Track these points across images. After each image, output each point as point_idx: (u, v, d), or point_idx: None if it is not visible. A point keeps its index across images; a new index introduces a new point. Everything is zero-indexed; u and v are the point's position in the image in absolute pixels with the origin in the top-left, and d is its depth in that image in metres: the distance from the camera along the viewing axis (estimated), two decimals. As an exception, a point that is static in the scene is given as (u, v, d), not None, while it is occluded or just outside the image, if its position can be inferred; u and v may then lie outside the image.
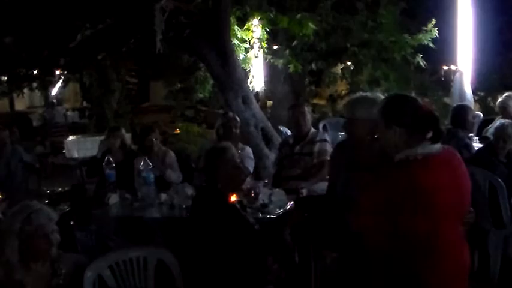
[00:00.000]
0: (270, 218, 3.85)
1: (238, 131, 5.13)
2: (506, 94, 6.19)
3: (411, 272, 2.32)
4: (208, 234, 2.96)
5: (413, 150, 2.29)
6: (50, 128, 14.02)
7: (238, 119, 5.22)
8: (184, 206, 4.09)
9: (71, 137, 11.60)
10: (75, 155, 10.13)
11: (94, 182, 4.78)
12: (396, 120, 2.34)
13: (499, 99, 6.26)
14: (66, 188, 4.78)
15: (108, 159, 4.67)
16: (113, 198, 4.42)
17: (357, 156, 2.97)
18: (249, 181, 4.33)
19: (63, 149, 11.21)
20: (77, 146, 10.51)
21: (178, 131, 11.86)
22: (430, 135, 2.32)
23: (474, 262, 4.76)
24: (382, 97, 2.84)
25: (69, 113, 16.00)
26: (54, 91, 15.27)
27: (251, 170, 4.97)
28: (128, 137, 6.05)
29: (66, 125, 14.33)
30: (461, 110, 5.34)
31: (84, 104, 16.99)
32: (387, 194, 2.27)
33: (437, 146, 2.33)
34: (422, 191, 2.23)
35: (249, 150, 5.19)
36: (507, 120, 4.88)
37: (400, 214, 2.25)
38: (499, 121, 5.14)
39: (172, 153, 5.18)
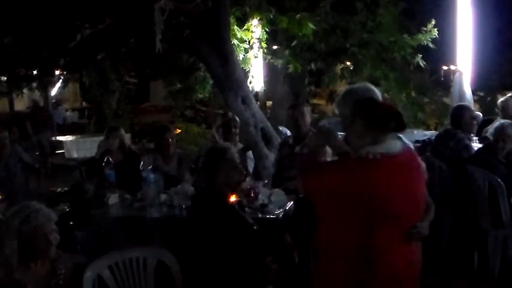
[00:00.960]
0: (269, 218, 3.85)
1: (237, 131, 5.13)
2: (509, 95, 6.20)
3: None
4: (208, 234, 2.96)
5: (374, 147, 2.25)
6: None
7: (237, 119, 5.22)
8: (184, 206, 4.08)
9: (70, 137, 11.60)
10: (75, 155, 10.13)
11: (94, 182, 4.77)
12: (359, 113, 2.33)
13: (501, 99, 6.27)
14: (65, 188, 4.78)
15: (108, 159, 4.67)
16: (113, 199, 4.42)
17: None
18: (248, 181, 4.32)
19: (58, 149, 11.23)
20: (77, 146, 10.51)
21: (178, 131, 11.86)
22: (392, 127, 2.28)
23: (474, 262, 4.78)
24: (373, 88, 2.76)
25: (68, 113, 16.00)
26: (53, 91, 15.26)
27: (250, 170, 4.98)
28: (127, 137, 6.05)
29: (64, 125, 14.31)
30: (459, 111, 5.34)
31: (84, 104, 17.02)
32: (333, 186, 2.27)
33: (399, 146, 2.30)
34: (369, 196, 2.21)
35: (250, 156, 5.19)
36: (507, 121, 4.88)
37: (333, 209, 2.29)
38: (498, 121, 5.15)
39: (181, 154, 5.24)
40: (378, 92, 2.51)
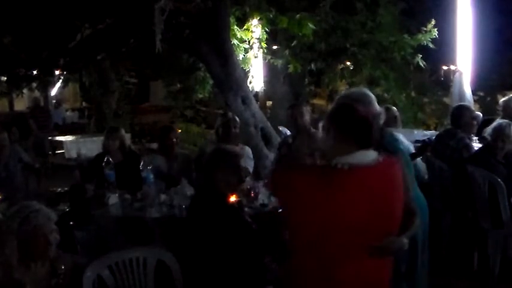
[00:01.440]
0: (265, 210, 3.89)
1: (237, 131, 5.13)
2: None
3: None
4: (207, 234, 2.96)
5: (345, 157, 2.22)
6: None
7: (237, 119, 5.23)
8: (184, 206, 4.08)
9: (70, 137, 11.59)
10: (75, 155, 10.13)
11: (93, 182, 4.77)
12: (333, 121, 2.31)
13: (503, 99, 6.25)
14: (65, 189, 4.77)
15: (108, 159, 4.67)
16: (113, 199, 4.42)
17: None
18: (248, 181, 4.33)
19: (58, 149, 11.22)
20: (76, 146, 10.50)
21: (178, 131, 11.85)
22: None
23: (474, 262, 4.78)
24: (368, 93, 2.80)
25: (68, 113, 15.99)
26: (53, 91, 15.25)
27: (250, 170, 4.98)
28: (127, 137, 6.05)
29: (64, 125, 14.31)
30: (459, 111, 5.34)
31: (84, 104, 17.00)
32: (297, 187, 2.24)
33: (372, 157, 2.25)
34: (326, 205, 2.19)
35: (248, 150, 5.20)
36: (505, 120, 4.86)
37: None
38: (497, 121, 5.14)
39: (184, 154, 5.25)
40: (370, 98, 2.56)
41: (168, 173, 4.89)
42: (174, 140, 5.06)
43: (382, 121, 2.57)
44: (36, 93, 13.55)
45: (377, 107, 2.69)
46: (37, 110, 12.10)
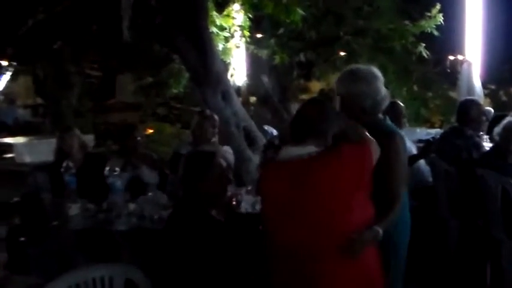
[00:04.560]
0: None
1: (217, 131, 5.13)
2: None
3: None
4: (190, 251, 2.92)
5: (281, 152, 2.69)
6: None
7: (217, 117, 5.22)
8: (156, 217, 4.06)
9: (21, 139, 11.43)
10: (27, 159, 9.98)
11: (50, 190, 4.72)
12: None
13: None
14: (16, 199, 4.72)
15: (67, 164, 4.63)
16: (73, 209, 4.37)
17: None
18: (229, 187, 4.30)
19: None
20: (29, 150, 10.35)
21: (149, 131, 11.81)
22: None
23: (486, 277, 4.81)
24: (375, 71, 3.01)
25: (19, 110, 15.80)
26: (1, 86, 15.06)
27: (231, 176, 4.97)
28: (90, 138, 6.01)
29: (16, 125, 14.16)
30: (467, 106, 5.37)
31: (38, 100, 16.80)
32: None
33: (306, 151, 2.60)
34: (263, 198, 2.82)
35: (229, 150, 5.19)
36: (515, 118, 4.89)
37: None
38: (507, 119, 5.17)
39: (154, 156, 5.25)
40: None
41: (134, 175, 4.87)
42: (139, 139, 5.07)
43: (385, 104, 3.00)
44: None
45: (368, 84, 2.93)
46: None
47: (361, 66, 3.16)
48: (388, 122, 3.12)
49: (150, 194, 4.41)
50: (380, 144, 2.72)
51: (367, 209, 2.63)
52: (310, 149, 2.60)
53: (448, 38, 8.26)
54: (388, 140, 2.87)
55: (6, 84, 15.40)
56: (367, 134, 2.72)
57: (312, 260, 2.56)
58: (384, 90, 3.00)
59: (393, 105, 5.49)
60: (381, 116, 3.07)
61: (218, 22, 7.46)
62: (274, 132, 6.66)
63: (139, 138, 5.11)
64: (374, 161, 2.64)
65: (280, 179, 2.65)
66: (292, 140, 2.66)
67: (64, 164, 4.65)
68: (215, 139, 5.11)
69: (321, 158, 2.60)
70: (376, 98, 2.97)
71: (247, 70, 8.87)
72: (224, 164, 3.18)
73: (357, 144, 2.65)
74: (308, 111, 2.71)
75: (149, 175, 4.96)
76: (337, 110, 2.89)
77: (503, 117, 5.71)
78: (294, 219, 2.59)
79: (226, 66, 7.73)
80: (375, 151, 2.66)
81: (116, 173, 4.50)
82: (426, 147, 5.17)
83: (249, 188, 4.68)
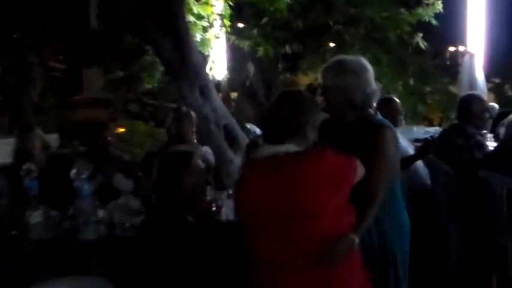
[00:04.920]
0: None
1: (194, 129, 5.12)
2: None
3: None
4: (165, 261, 2.91)
5: (259, 150, 2.77)
6: None
7: (194, 114, 5.23)
8: (127, 224, 4.05)
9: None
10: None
11: (8, 196, 4.68)
12: None
13: None
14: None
15: (28, 166, 4.60)
16: (35, 217, 4.33)
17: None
18: (209, 191, 4.29)
19: None
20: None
21: (120, 130, 11.78)
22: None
23: (492, 287, 4.83)
24: (364, 62, 3.04)
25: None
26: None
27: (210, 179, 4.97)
28: (53, 138, 5.97)
29: None
30: (468, 101, 5.40)
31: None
32: None
33: (279, 150, 2.64)
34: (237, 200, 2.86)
35: (208, 151, 5.19)
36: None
37: None
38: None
39: (126, 157, 5.25)
40: (366, 71, 2.93)
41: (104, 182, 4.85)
42: (109, 139, 5.07)
43: (375, 99, 3.08)
44: None
45: (357, 76, 2.96)
46: None
47: (349, 56, 3.17)
48: (379, 117, 3.12)
49: (121, 199, 4.37)
50: (367, 137, 2.77)
51: (345, 218, 2.64)
52: (289, 147, 2.63)
53: (447, 28, 8.31)
54: (376, 132, 2.91)
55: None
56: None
57: (283, 270, 2.62)
58: (374, 83, 3.01)
59: (388, 101, 5.52)
60: (371, 111, 3.08)
61: (196, 10, 7.47)
62: (258, 131, 6.67)
63: (109, 138, 5.08)
64: (357, 178, 2.66)
65: (254, 180, 2.70)
66: (267, 142, 2.71)
67: (24, 167, 4.62)
68: (193, 138, 5.11)
69: (298, 160, 2.62)
70: (365, 91, 2.97)
71: (228, 63, 8.89)
72: (203, 165, 3.17)
73: (343, 155, 2.66)
74: (280, 109, 2.70)
75: (123, 183, 4.94)
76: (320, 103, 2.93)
77: (508, 113, 5.75)
78: (267, 225, 2.64)
79: (204, 58, 7.73)
80: (360, 168, 2.69)
81: (83, 176, 4.47)
82: (424, 147, 5.18)
83: (231, 192, 4.68)
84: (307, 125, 2.67)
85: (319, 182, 2.57)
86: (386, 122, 3.10)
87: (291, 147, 2.62)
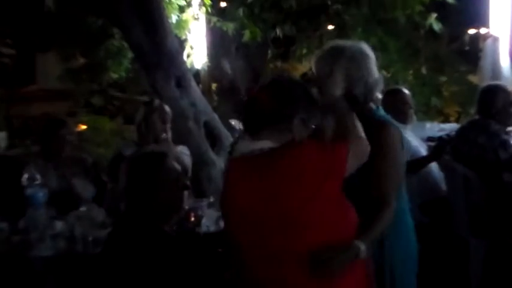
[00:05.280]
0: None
1: (169, 126, 5.11)
2: None
3: None
4: (138, 281, 2.90)
5: (237, 146, 2.86)
6: None
7: (169, 109, 5.21)
8: (90, 238, 4.06)
9: None
10: None
11: None
12: None
13: None
14: None
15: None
16: (-19, 230, 4.33)
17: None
18: (187, 198, 4.29)
19: None
20: None
21: (81, 127, 11.75)
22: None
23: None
24: (365, 48, 3.06)
25: None
26: None
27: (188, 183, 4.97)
28: (1, 136, 5.97)
29: None
30: (491, 93, 5.42)
31: None
32: None
33: (260, 146, 2.66)
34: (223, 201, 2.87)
35: (185, 151, 5.20)
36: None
37: None
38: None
39: (89, 160, 5.30)
40: (368, 58, 2.96)
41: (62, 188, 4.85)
42: (67, 138, 5.11)
43: (377, 90, 3.07)
44: None
45: (357, 64, 2.98)
46: None
47: (347, 42, 3.19)
48: (381, 112, 3.12)
49: (82, 208, 4.36)
50: (369, 138, 2.74)
51: (340, 223, 2.61)
52: (264, 143, 2.64)
53: (467, 7, 8.33)
54: (378, 131, 2.91)
55: None
56: (359, 129, 2.74)
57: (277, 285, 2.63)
58: (376, 73, 3.02)
59: (395, 92, 5.54)
60: (372, 105, 3.09)
61: (170, -14, 7.47)
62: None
63: (67, 136, 5.12)
64: (352, 166, 2.65)
65: (235, 184, 2.75)
66: (246, 133, 2.76)
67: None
68: (167, 137, 5.10)
69: (270, 157, 2.63)
70: (367, 81, 2.98)
71: (209, 49, 8.86)
72: (178, 167, 3.16)
73: (328, 144, 2.63)
74: (263, 94, 2.68)
75: (83, 187, 4.95)
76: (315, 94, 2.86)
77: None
78: (255, 237, 2.66)
79: (181, 43, 7.71)
80: (359, 153, 2.68)
81: (36, 182, 4.46)
82: (439, 147, 5.21)
83: (212, 199, 4.68)
84: (294, 118, 2.62)
85: (295, 182, 2.56)
86: (389, 118, 3.11)
87: (266, 144, 2.62)
